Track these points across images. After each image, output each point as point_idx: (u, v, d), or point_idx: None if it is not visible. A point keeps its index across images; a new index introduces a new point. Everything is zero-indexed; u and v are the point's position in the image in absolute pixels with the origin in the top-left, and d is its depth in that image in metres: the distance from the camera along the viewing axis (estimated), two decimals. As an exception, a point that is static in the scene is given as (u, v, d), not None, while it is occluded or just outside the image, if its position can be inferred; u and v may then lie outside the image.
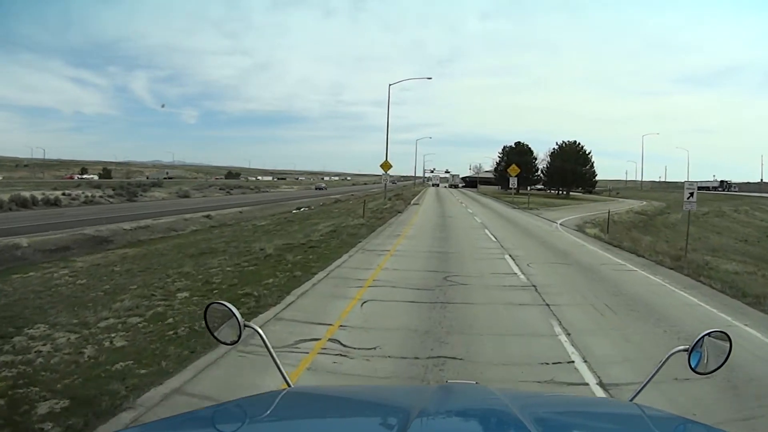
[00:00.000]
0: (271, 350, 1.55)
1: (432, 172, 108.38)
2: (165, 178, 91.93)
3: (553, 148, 54.17)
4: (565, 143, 51.51)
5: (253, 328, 1.54)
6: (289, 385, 1.53)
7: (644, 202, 46.05)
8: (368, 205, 30.00)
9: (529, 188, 53.09)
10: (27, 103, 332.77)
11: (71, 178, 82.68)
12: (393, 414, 1.16)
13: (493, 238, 14.39)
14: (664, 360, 1.54)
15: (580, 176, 49.29)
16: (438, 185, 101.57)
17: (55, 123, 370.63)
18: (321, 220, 20.13)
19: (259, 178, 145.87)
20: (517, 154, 58.45)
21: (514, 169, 36.20)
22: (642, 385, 1.57)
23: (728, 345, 1.49)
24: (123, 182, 61.22)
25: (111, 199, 44.18)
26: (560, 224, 19.89)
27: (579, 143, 50.67)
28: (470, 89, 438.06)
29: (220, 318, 1.55)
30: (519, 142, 60.35)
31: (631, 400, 1.50)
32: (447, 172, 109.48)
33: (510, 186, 36.66)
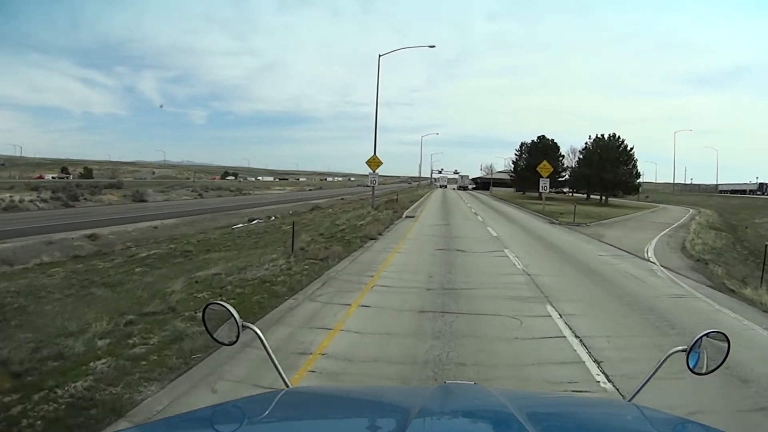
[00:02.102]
0: (270, 351, 1.53)
1: (440, 172, 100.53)
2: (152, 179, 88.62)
3: (585, 144, 44.76)
4: (602, 137, 42.13)
5: (251, 329, 1.52)
6: (287, 386, 1.52)
7: (697, 210, 36.54)
8: (341, 217, 21.31)
9: (546, 190, 44.35)
10: (36, 102, 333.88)
11: (41, 177, 75.95)
12: (392, 414, 1.18)
13: (581, 347, 5.16)
14: (662, 360, 1.53)
15: (622, 177, 39.86)
16: (445, 186, 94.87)
17: (64, 123, 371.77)
18: (221, 256, 11.42)
19: (260, 178, 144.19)
20: (541, 151, 49.11)
21: (545, 168, 27.07)
22: (640, 385, 1.57)
23: (726, 345, 1.49)
24: (81, 183, 53.43)
25: (42, 204, 36.20)
26: (661, 266, 10.77)
27: (618, 136, 41.31)
28: (478, 90, 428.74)
29: (218, 318, 1.54)
30: (542, 137, 50.93)
31: (629, 401, 1.55)
32: (456, 172, 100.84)
33: (540, 189, 27.36)
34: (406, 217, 20.25)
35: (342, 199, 46.33)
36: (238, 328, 1.50)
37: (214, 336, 1.55)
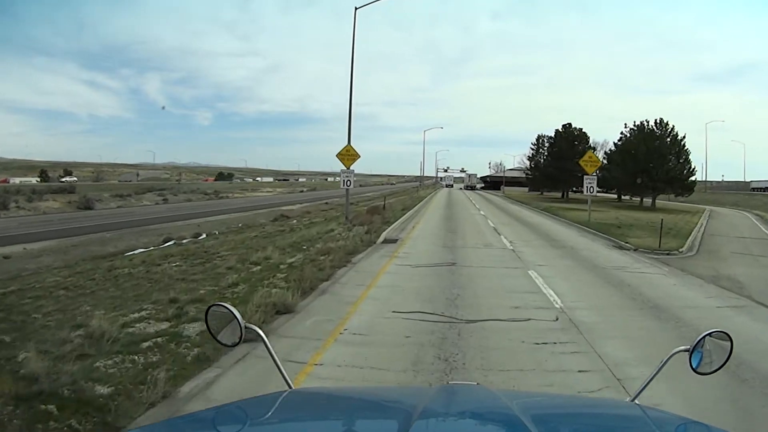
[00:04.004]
0: (273, 352, 1.52)
1: (445, 171, 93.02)
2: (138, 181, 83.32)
3: (621, 134, 36.42)
4: (642, 125, 33.84)
5: (254, 330, 1.52)
6: (290, 387, 1.51)
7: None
8: (288, 238, 13.66)
9: (592, 192, 36.57)
10: (43, 106, 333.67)
11: (5, 181, 69.33)
12: (394, 415, 1.16)
13: None
14: (665, 360, 1.50)
15: (675, 174, 31.58)
16: (451, 186, 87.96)
17: (70, 125, 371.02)
18: None
19: (258, 179, 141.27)
20: (567, 143, 41.02)
21: (591, 161, 19.26)
22: (642, 385, 1.54)
23: (729, 344, 1.46)
24: (23, 188, 46.29)
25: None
26: None
27: (666, 122, 32.98)
28: (483, 89, 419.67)
29: (221, 320, 1.54)
30: (568, 125, 42.40)
31: (632, 400, 1.51)
32: (462, 171, 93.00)
33: (585, 191, 19.27)
34: (385, 241, 12.36)
35: (326, 203, 38.67)
36: (241, 330, 1.49)
37: (217, 337, 1.55)
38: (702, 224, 22.06)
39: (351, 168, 18.20)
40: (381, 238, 12.65)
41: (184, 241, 18.25)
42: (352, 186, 18.39)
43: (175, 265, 11.01)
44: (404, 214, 20.33)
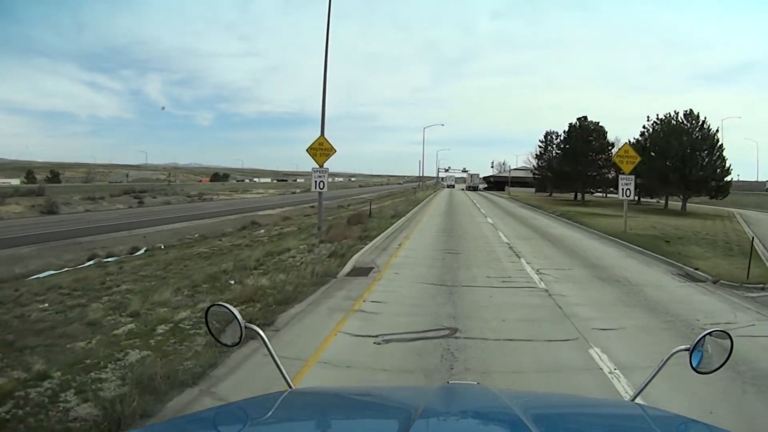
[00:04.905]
0: (273, 352, 1.52)
1: (447, 171, 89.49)
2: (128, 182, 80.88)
3: (643, 129, 32.31)
4: (669, 117, 29.73)
5: (254, 330, 1.51)
6: (290, 387, 1.51)
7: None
8: (227, 260, 9.86)
9: (629, 195, 33.16)
10: (43, 107, 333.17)
11: (-19, 183, 65.85)
12: (395, 415, 1.15)
13: None
14: (665, 360, 1.51)
15: (706, 174, 27.47)
16: (453, 186, 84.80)
17: (71, 127, 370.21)
18: None
19: (256, 179, 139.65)
20: (581, 138, 36.85)
21: (628, 157, 15.39)
22: (643, 385, 1.55)
23: (729, 343, 1.46)
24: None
25: None
26: None
27: (698, 114, 28.88)
28: (484, 89, 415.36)
29: (221, 320, 1.55)
30: (583, 118, 38.02)
31: (632, 400, 1.55)
32: (464, 170, 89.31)
33: (622, 194, 15.25)
34: (352, 272, 8.35)
35: (312, 206, 34.78)
36: (241, 330, 1.49)
37: (217, 337, 1.56)
38: (752, 234, 18.04)
39: (325, 166, 14.37)
40: (348, 266, 8.68)
41: (110, 259, 14.39)
42: (326, 189, 14.50)
43: (40, 308, 7.53)
44: (393, 223, 16.36)
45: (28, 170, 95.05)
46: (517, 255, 10.50)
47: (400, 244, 11.63)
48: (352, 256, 9.46)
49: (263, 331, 1.54)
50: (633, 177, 15.58)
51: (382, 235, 12.99)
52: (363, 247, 10.64)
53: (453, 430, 1.10)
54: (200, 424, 1.21)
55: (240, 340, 1.50)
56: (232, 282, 7.79)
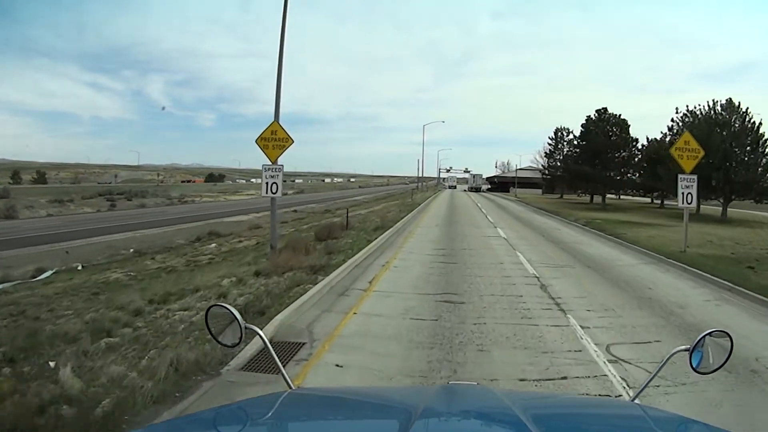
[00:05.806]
0: (273, 353, 1.52)
1: (448, 171, 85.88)
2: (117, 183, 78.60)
3: (672, 123, 28.20)
4: (712, 106, 25.61)
5: (254, 330, 1.51)
6: (290, 387, 1.49)
7: None
8: (112, 302, 6.12)
9: (691, 200, 29.67)
10: (44, 108, 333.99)
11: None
12: (395, 415, 1.14)
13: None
14: (665, 360, 1.49)
15: (752, 173, 23.40)
16: (454, 187, 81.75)
17: (73, 127, 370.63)
18: None
19: (253, 180, 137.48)
20: (601, 132, 32.66)
21: (689, 151, 11.38)
22: (643, 385, 1.55)
23: (729, 344, 1.44)
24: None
25: None
26: None
27: (739, 103, 24.84)
28: (485, 89, 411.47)
29: (221, 320, 1.53)
30: (603, 110, 33.71)
31: (632, 400, 1.59)
32: (466, 170, 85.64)
33: (682, 200, 11.19)
34: (254, 360, 4.36)
35: (295, 210, 30.83)
36: (241, 330, 1.48)
37: (217, 337, 1.54)
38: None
39: (279, 162, 10.37)
40: (255, 344, 4.70)
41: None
42: (279, 193, 10.42)
43: None
44: (374, 239, 12.34)
45: (14, 170, 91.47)
46: (558, 305, 6.46)
47: (370, 282, 7.60)
48: (278, 314, 5.48)
49: None
50: (695, 177, 11.59)
51: (350, 261, 8.99)
52: (309, 290, 6.66)
53: (453, 430, 1.11)
54: (200, 424, 1.22)
55: (240, 340, 1.50)
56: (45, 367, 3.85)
